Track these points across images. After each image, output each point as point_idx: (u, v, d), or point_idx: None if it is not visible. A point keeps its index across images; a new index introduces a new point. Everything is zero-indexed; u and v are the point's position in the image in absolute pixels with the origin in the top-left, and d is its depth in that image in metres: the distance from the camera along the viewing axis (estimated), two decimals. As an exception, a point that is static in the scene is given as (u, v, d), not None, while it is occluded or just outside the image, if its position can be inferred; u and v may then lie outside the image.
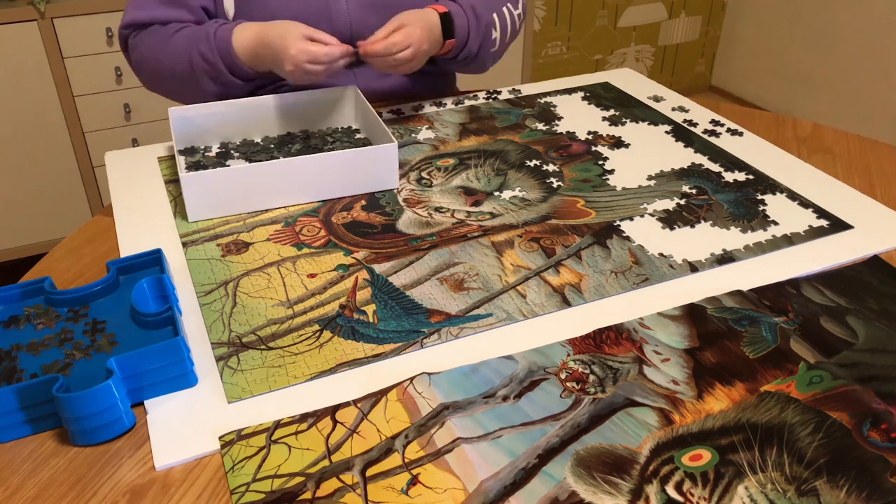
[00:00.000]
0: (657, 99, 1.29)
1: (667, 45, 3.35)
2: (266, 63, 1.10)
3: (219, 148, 1.10)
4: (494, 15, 1.25)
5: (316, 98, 1.14)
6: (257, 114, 1.12)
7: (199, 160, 1.06)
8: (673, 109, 1.25)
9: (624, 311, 0.79)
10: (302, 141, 1.11)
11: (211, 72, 1.11)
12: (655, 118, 1.22)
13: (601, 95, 1.31)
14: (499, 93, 1.32)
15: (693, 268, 0.86)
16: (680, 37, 3.36)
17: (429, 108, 1.26)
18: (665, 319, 0.77)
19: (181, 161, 1.03)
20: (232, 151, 1.09)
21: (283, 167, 0.96)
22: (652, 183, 1.03)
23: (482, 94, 1.31)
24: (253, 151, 1.08)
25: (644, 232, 0.92)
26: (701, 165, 1.07)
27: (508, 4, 1.28)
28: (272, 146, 1.10)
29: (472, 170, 1.06)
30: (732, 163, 1.08)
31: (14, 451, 0.65)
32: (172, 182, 1.04)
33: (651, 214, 0.96)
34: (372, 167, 0.99)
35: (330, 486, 0.60)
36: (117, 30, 1.22)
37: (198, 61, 1.11)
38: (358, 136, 1.13)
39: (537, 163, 1.08)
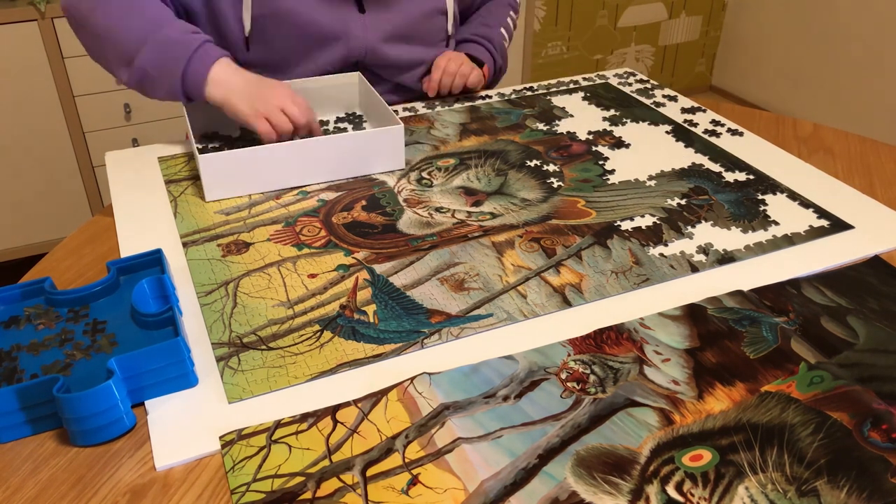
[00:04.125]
0: (658, 103, 1.29)
1: (667, 45, 3.35)
2: (229, 94, 1.02)
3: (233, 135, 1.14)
4: (502, 29, 1.37)
5: (321, 85, 1.17)
6: None
7: (217, 145, 1.11)
8: (675, 105, 1.25)
9: (624, 312, 0.79)
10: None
11: (157, 78, 1.03)
12: (656, 118, 1.22)
13: (601, 95, 1.31)
14: (501, 94, 1.32)
15: (693, 268, 0.86)
16: (680, 37, 3.36)
17: (429, 108, 1.26)
18: (665, 319, 0.77)
19: (194, 145, 1.04)
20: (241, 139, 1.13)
21: (296, 148, 1.00)
22: (652, 183, 1.03)
23: (483, 95, 1.31)
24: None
25: (644, 232, 0.92)
26: (701, 165, 1.07)
27: (511, 13, 1.42)
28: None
29: (472, 170, 1.06)
30: (733, 163, 1.08)
31: (14, 451, 0.65)
32: (172, 182, 1.04)
33: (651, 214, 0.96)
34: (379, 147, 1.03)
35: (330, 486, 0.60)
36: None
37: (148, 58, 1.01)
38: (364, 123, 1.17)
39: (538, 163, 1.08)
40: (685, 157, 1.10)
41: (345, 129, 1.16)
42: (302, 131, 1.05)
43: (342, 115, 1.20)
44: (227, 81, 1.03)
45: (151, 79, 1.03)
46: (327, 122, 1.18)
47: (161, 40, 1.02)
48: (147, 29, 1.02)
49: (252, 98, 1.03)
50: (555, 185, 1.03)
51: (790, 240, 0.91)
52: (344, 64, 1.21)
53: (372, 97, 1.13)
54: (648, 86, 1.35)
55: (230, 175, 0.98)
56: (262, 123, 1.01)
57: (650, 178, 1.04)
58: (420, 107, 1.26)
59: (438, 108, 1.26)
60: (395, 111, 1.24)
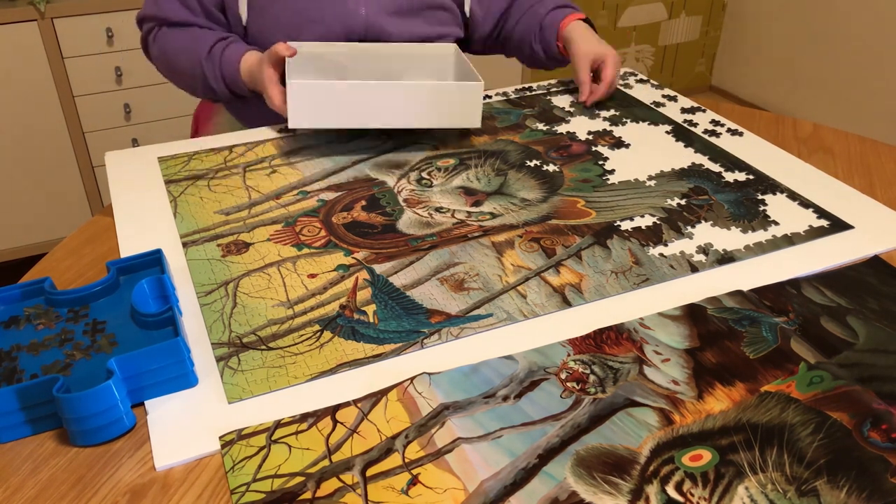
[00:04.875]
0: (658, 103, 1.29)
1: (667, 45, 3.35)
2: (254, 85, 1.17)
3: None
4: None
5: (416, 52, 1.22)
6: (361, 62, 1.20)
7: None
8: (678, 105, 1.25)
9: (624, 311, 0.79)
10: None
11: (212, 91, 1.21)
12: (656, 118, 1.22)
13: (601, 95, 1.31)
14: (503, 94, 1.32)
15: (693, 268, 0.86)
16: (680, 37, 3.36)
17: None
18: (665, 319, 0.77)
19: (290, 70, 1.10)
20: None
21: (380, 88, 1.05)
22: (652, 183, 1.03)
23: (483, 95, 1.31)
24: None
25: (644, 232, 0.92)
26: (701, 165, 1.07)
27: None
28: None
29: (472, 170, 1.06)
30: (732, 163, 1.08)
31: (14, 451, 0.65)
32: (172, 182, 1.04)
33: (651, 214, 0.96)
34: (458, 101, 1.08)
35: (330, 486, 0.60)
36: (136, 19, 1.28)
37: (200, 77, 1.20)
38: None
39: (537, 163, 1.08)
40: (685, 157, 1.10)
41: None
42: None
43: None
44: (251, 78, 1.17)
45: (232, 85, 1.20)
46: None
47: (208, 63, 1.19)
48: (198, 61, 1.19)
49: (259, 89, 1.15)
50: (555, 185, 1.03)
51: (790, 240, 0.91)
52: (346, 42, 1.22)
53: (463, 66, 1.17)
54: (648, 86, 1.35)
55: (316, 104, 1.04)
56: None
57: (650, 178, 1.04)
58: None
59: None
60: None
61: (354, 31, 1.21)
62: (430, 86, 1.08)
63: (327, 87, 1.04)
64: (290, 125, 1.05)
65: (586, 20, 1.30)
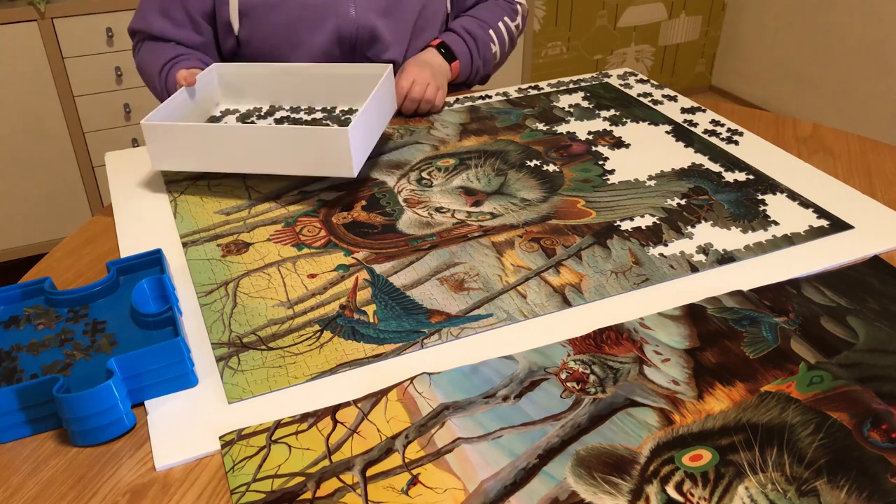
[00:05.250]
0: (656, 101, 1.29)
1: (667, 45, 3.35)
2: None
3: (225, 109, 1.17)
4: (491, 31, 1.35)
5: (347, 73, 1.15)
6: (290, 81, 1.16)
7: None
8: (676, 104, 1.25)
9: (624, 311, 0.79)
10: (295, 112, 1.15)
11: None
12: (655, 118, 1.22)
13: (601, 95, 1.31)
14: (502, 93, 1.32)
15: (693, 268, 0.86)
16: (680, 37, 3.36)
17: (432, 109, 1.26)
18: (665, 319, 0.77)
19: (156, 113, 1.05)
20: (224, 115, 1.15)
21: (236, 132, 0.98)
22: (652, 183, 1.03)
23: (482, 94, 1.31)
24: (250, 116, 1.15)
25: (644, 232, 0.92)
26: (701, 165, 1.07)
27: (505, 18, 1.40)
28: (267, 114, 1.15)
29: (472, 170, 1.06)
30: (732, 163, 1.08)
31: (14, 451, 0.65)
32: (172, 182, 1.04)
33: (651, 214, 0.96)
34: (324, 147, 0.94)
35: (330, 486, 0.60)
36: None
37: (158, 93, 1.23)
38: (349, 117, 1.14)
39: (537, 163, 1.08)
40: (685, 157, 1.10)
41: (327, 121, 1.13)
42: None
43: (349, 108, 1.17)
44: None
45: None
46: (327, 111, 1.16)
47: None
48: (155, 79, 1.22)
49: None
50: (555, 185, 1.03)
51: (790, 240, 0.91)
52: (338, 44, 1.22)
53: (386, 90, 1.09)
54: (648, 86, 1.35)
55: (175, 146, 0.97)
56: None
57: (650, 178, 1.04)
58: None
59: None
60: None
61: (346, 31, 1.22)
62: (289, 131, 0.97)
63: (183, 129, 0.97)
64: (154, 167, 1.01)
65: (440, 45, 1.30)
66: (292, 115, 1.14)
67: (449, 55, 1.29)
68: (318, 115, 1.14)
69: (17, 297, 0.80)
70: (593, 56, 3.22)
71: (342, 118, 1.13)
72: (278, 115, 1.15)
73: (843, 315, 0.78)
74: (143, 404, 0.69)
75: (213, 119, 1.14)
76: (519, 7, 1.42)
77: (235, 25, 1.20)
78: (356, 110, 1.15)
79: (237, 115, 1.15)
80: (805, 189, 1.01)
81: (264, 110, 1.16)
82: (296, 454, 0.63)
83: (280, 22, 1.19)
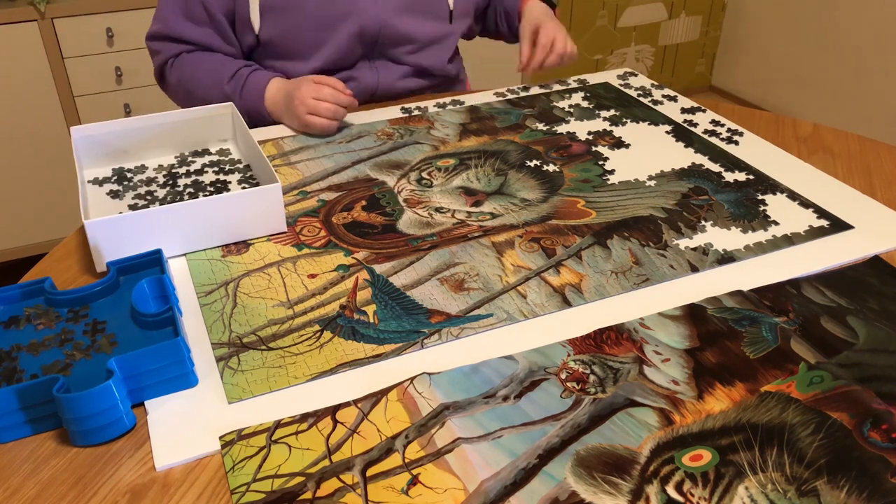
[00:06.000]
0: (656, 101, 1.29)
1: (667, 45, 3.35)
2: (277, 114, 1.18)
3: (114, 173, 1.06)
4: None
5: (191, 117, 1.09)
6: (140, 135, 1.07)
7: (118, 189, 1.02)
8: (676, 104, 1.25)
9: (624, 312, 0.79)
10: (190, 175, 1.05)
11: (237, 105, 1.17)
12: (655, 118, 1.22)
13: (601, 95, 1.31)
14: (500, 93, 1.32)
15: (693, 268, 0.86)
16: (680, 37, 3.36)
17: (430, 108, 1.26)
18: (665, 319, 0.77)
19: (94, 193, 0.99)
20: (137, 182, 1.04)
21: (177, 211, 0.87)
22: (652, 183, 1.03)
23: (483, 94, 1.31)
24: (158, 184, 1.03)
25: (644, 232, 0.92)
26: (701, 165, 1.07)
27: None
28: (163, 178, 1.05)
29: (472, 170, 1.06)
30: (732, 163, 1.08)
31: (14, 451, 0.65)
32: (172, 182, 1.04)
33: (651, 214, 0.96)
34: (258, 210, 0.90)
35: (330, 486, 0.60)
36: (146, 37, 1.26)
37: (223, 98, 1.19)
38: (240, 163, 1.08)
39: (537, 163, 1.08)
40: (685, 157, 1.10)
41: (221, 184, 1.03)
42: (347, 100, 1.13)
43: (217, 149, 1.12)
44: (275, 105, 1.18)
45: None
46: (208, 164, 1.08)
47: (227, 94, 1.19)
48: (219, 89, 1.19)
49: (290, 111, 1.15)
50: (555, 185, 1.02)
51: (790, 240, 0.91)
52: (361, 42, 1.22)
53: (244, 132, 1.05)
54: (648, 86, 1.35)
55: (121, 238, 0.85)
56: (311, 125, 1.14)
57: (650, 178, 1.04)
58: (418, 107, 1.26)
59: (438, 109, 1.26)
60: (405, 109, 1.25)
61: (369, 29, 1.22)
62: (222, 199, 0.89)
63: (124, 219, 0.84)
64: (98, 270, 0.86)
65: (546, 1, 1.34)
66: (179, 170, 1.06)
67: (551, 2, 1.34)
68: (199, 164, 1.07)
69: (17, 297, 0.80)
70: (593, 56, 3.22)
71: (227, 167, 1.07)
72: (169, 172, 1.05)
73: (843, 315, 0.78)
74: (143, 404, 0.69)
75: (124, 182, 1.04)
76: None
77: (256, 24, 1.19)
78: (207, 150, 1.11)
79: (113, 179, 1.04)
80: (805, 189, 1.01)
81: (149, 170, 1.06)
82: (296, 454, 0.63)
83: (300, 21, 1.19)
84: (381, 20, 1.22)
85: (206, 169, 1.07)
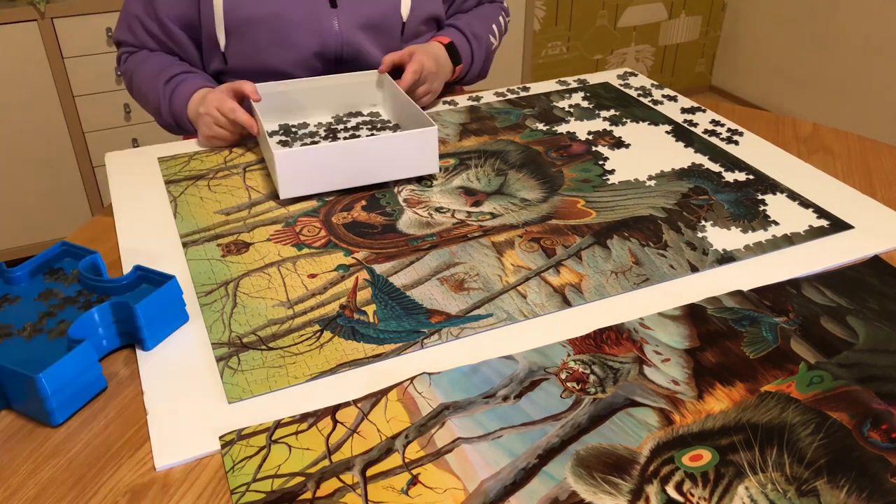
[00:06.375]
0: (657, 101, 1.29)
1: (667, 45, 3.35)
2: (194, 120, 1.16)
3: (280, 129, 1.17)
4: (493, 26, 1.36)
5: (346, 82, 1.20)
6: (300, 96, 1.18)
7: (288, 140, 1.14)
8: (676, 104, 1.25)
9: (624, 311, 0.79)
10: (347, 130, 1.16)
11: (164, 122, 1.21)
12: (655, 118, 1.22)
13: (601, 95, 1.31)
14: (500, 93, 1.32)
15: (693, 268, 0.86)
16: (680, 37, 3.36)
17: (430, 108, 1.26)
18: (665, 319, 0.77)
19: (271, 141, 1.07)
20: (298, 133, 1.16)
21: (350, 147, 0.99)
22: (652, 183, 1.03)
23: (483, 95, 1.31)
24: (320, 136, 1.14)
25: (644, 232, 0.92)
26: (701, 165, 1.07)
27: (501, 14, 1.39)
28: (324, 133, 1.15)
29: (472, 170, 1.06)
30: (732, 163, 1.08)
31: (14, 451, 0.65)
32: (172, 182, 1.04)
33: (651, 214, 0.96)
34: (414, 151, 1.01)
35: (330, 486, 0.60)
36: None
37: (155, 106, 1.20)
38: (389, 123, 1.18)
39: (538, 163, 1.08)
40: (685, 157, 1.10)
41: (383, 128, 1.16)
42: (235, 126, 1.11)
43: (368, 111, 1.22)
44: (192, 114, 1.16)
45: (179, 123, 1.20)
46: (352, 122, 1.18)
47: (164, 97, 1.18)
48: (157, 91, 1.19)
49: (198, 122, 1.14)
50: (555, 185, 1.02)
51: (790, 240, 0.91)
52: (324, 60, 1.22)
53: (395, 93, 1.15)
54: (648, 86, 1.35)
55: (304, 171, 0.98)
56: (204, 141, 1.15)
57: (650, 178, 1.04)
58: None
59: (438, 109, 1.26)
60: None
61: (330, 47, 1.21)
62: (395, 137, 1.01)
63: (317, 151, 0.98)
64: (282, 196, 0.98)
65: (449, 45, 1.28)
66: (338, 127, 1.16)
67: (455, 58, 1.28)
68: (355, 123, 1.17)
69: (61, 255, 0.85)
70: (593, 56, 3.22)
71: (379, 125, 1.16)
72: (329, 129, 1.15)
73: (843, 315, 0.78)
74: (143, 404, 0.69)
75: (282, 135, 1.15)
76: (504, 6, 1.43)
77: (222, 42, 1.19)
78: (359, 112, 1.21)
79: (280, 133, 1.15)
80: (805, 189, 1.01)
81: (310, 126, 1.17)
82: (296, 454, 0.63)
83: (264, 38, 1.19)
84: (344, 40, 1.21)
85: (360, 126, 1.17)
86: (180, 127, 1.20)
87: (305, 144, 1.10)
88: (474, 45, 1.32)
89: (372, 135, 1.13)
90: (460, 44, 1.30)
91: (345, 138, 1.12)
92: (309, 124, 1.18)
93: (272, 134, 1.15)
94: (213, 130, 1.11)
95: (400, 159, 1.01)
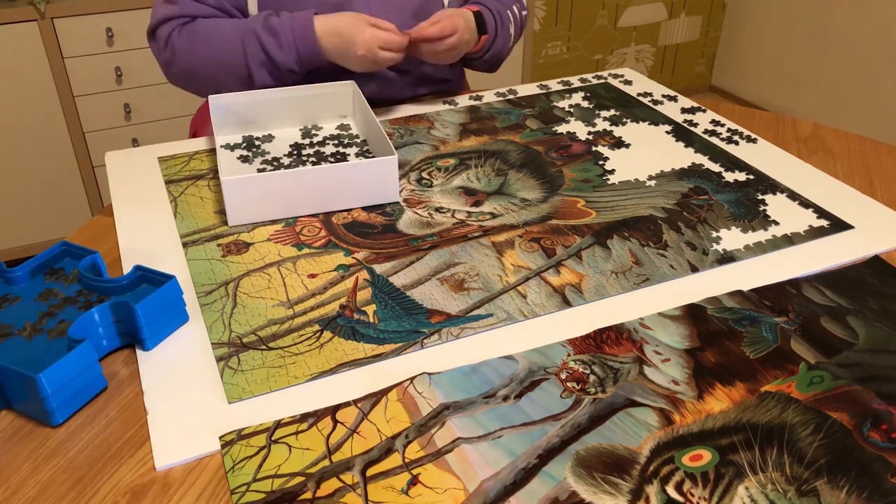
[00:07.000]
0: (657, 101, 1.29)
1: (667, 45, 3.35)
2: (334, 53, 1.15)
3: (243, 142, 1.14)
4: (508, 12, 1.34)
5: (316, 93, 1.16)
6: (268, 106, 1.15)
7: (246, 155, 1.10)
8: (676, 105, 1.25)
9: (624, 311, 0.79)
10: (313, 147, 1.12)
11: (267, 63, 1.15)
12: (656, 118, 1.22)
13: (601, 95, 1.31)
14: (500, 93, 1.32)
15: (693, 268, 0.86)
16: (680, 37, 3.36)
17: (430, 108, 1.26)
18: (665, 319, 0.77)
19: (226, 157, 1.08)
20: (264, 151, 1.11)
21: (312, 174, 0.95)
22: (652, 183, 1.03)
23: (483, 94, 1.31)
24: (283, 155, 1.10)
25: (644, 232, 0.92)
26: (701, 165, 1.07)
27: (515, 6, 1.35)
28: (288, 149, 1.11)
29: (472, 170, 1.06)
30: (732, 163, 1.08)
31: (14, 451, 0.65)
32: (172, 182, 1.04)
33: (651, 214, 0.96)
34: (374, 179, 0.97)
35: (330, 486, 0.60)
36: (148, 27, 1.21)
37: (256, 53, 1.14)
38: (358, 138, 1.14)
39: (538, 163, 1.08)
40: (685, 157, 1.10)
41: (341, 154, 1.10)
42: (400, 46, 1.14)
43: (337, 124, 1.18)
44: (329, 45, 1.15)
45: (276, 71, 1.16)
46: (317, 138, 1.14)
47: (255, 41, 1.14)
48: (240, 44, 1.15)
49: (350, 57, 1.14)
50: (555, 185, 1.02)
51: (790, 240, 0.91)
52: None
53: (364, 109, 1.10)
54: (648, 86, 1.35)
55: (253, 199, 0.94)
56: (380, 67, 1.16)
57: (650, 178, 1.04)
58: (419, 109, 1.26)
59: (438, 108, 1.26)
60: (406, 118, 1.25)
61: None
62: (347, 166, 0.97)
63: (261, 179, 0.94)
64: (231, 223, 0.94)
65: (477, 13, 1.25)
66: (303, 142, 1.12)
67: (480, 28, 1.25)
68: (321, 138, 1.14)
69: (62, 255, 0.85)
70: (593, 56, 3.22)
71: (346, 141, 1.13)
72: (294, 145, 1.12)
73: (843, 315, 0.78)
74: (143, 404, 0.69)
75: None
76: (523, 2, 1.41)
77: (252, 7, 1.19)
78: (321, 127, 1.17)
79: (243, 146, 1.12)
80: (805, 189, 1.01)
81: (275, 140, 1.13)
82: (296, 454, 0.63)
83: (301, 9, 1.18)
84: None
85: (327, 141, 1.14)
86: (302, 63, 1.15)
87: (266, 161, 1.07)
88: (497, 21, 1.30)
89: (337, 152, 1.09)
90: (486, 16, 1.27)
91: (308, 155, 1.08)
92: (274, 137, 1.14)
93: (234, 147, 1.11)
94: (382, 55, 1.13)
95: (357, 188, 0.96)
